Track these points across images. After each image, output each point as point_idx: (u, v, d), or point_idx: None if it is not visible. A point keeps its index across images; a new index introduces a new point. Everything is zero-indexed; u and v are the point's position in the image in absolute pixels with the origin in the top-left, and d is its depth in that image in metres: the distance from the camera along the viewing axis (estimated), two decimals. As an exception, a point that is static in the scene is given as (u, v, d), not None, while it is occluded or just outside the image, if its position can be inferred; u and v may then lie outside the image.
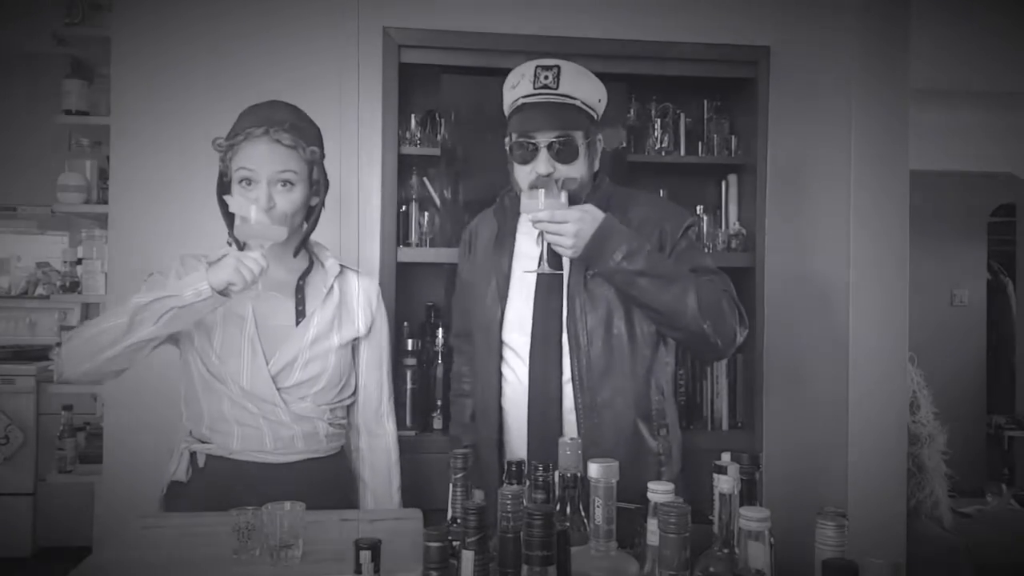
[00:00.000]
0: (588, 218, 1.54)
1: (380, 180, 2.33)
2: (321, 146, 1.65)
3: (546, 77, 1.63)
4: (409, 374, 2.33)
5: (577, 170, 1.66)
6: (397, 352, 2.32)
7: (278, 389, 1.59)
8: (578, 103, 1.65)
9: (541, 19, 2.44)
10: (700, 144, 2.59)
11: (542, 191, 1.54)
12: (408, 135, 2.42)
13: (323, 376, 1.63)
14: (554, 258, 1.63)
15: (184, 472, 1.63)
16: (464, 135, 2.41)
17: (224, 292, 1.47)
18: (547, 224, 1.54)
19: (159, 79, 2.38)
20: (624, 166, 2.44)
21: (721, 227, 2.59)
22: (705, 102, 2.63)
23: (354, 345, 1.71)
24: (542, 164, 1.63)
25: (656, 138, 2.53)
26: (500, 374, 1.72)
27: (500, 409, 1.72)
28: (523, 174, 1.67)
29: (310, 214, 1.66)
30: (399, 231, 2.37)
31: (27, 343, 4.35)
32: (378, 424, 1.75)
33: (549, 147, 1.63)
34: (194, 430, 1.65)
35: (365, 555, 0.93)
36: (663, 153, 2.53)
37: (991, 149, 4.53)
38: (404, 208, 2.43)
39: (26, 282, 4.56)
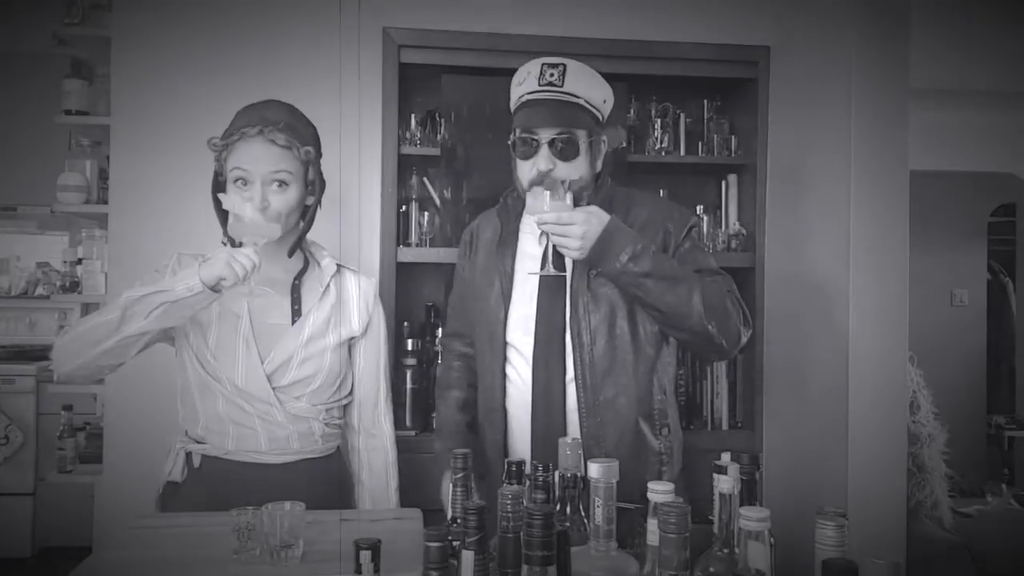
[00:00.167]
0: (594, 220, 1.54)
1: (380, 180, 2.33)
2: (317, 146, 1.65)
3: (551, 75, 1.64)
4: (409, 374, 2.33)
5: (578, 168, 1.66)
6: (397, 352, 2.33)
7: (273, 388, 1.59)
8: (582, 102, 1.65)
9: (541, 19, 2.44)
10: (700, 144, 2.59)
11: (547, 193, 1.54)
12: (408, 135, 2.42)
13: (318, 376, 1.63)
14: (558, 259, 1.63)
15: (180, 472, 1.63)
16: (464, 135, 2.41)
17: (215, 288, 1.46)
18: (553, 226, 1.54)
19: (159, 79, 2.38)
20: (624, 166, 2.44)
21: (721, 227, 2.59)
22: (705, 102, 2.63)
23: (351, 345, 1.71)
24: (542, 160, 1.63)
25: (656, 138, 2.53)
26: (504, 375, 1.72)
27: (504, 411, 1.72)
28: (524, 170, 1.67)
29: (305, 213, 1.66)
30: (399, 231, 2.37)
31: (27, 343, 4.35)
32: (375, 424, 1.75)
33: (551, 144, 1.64)
34: (189, 430, 1.64)
35: (365, 555, 0.93)
36: (663, 153, 2.53)
37: (991, 149, 4.53)
38: (404, 208, 2.43)
39: (26, 282, 4.56)
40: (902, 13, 2.63)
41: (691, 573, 0.89)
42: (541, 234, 1.64)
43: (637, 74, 2.43)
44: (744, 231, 2.53)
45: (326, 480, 1.66)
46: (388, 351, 1.79)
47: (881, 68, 2.61)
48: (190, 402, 1.63)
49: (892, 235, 2.60)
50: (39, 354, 4.11)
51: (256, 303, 1.61)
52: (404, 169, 2.41)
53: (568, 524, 1.01)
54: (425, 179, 2.50)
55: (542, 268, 1.64)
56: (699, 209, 2.56)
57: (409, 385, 2.33)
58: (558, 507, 1.05)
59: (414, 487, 1.85)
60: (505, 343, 1.71)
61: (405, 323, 2.39)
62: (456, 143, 2.41)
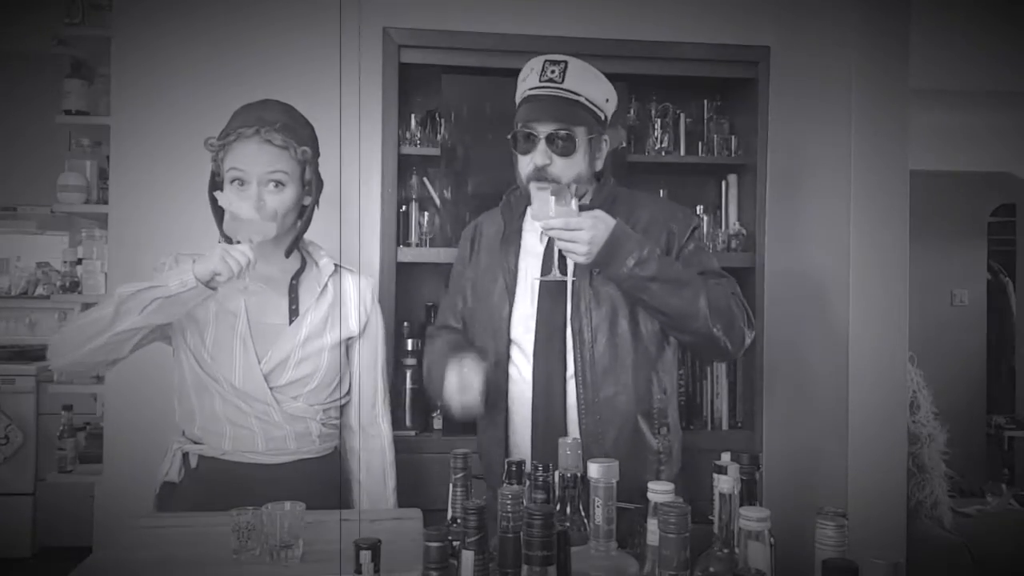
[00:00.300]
0: (601, 225, 1.55)
1: (380, 180, 2.33)
2: (314, 146, 1.65)
3: (552, 71, 1.66)
4: (409, 374, 2.33)
5: (575, 165, 1.67)
6: (397, 352, 2.33)
7: (270, 388, 1.59)
8: (582, 99, 1.66)
9: (541, 19, 2.44)
10: (700, 144, 2.59)
11: (552, 198, 1.54)
12: (408, 135, 2.42)
13: (316, 375, 1.63)
14: (562, 263, 1.64)
15: (176, 473, 1.63)
16: (464, 135, 2.41)
17: (210, 283, 1.46)
18: (560, 232, 1.54)
19: (159, 79, 2.38)
20: (624, 166, 2.44)
21: (721, 227, 2.59)
22: (705, 102, 2.63)
23: (348, 345, 1.71)
24: (539, 155, 1.65)
25: (656, 138, 2.53)
26: (507, 373, 1.71)
27: (507, 407, 1.72)
28: (523, 164, 1.69)
29: (303, 213, 1.66)
30: (399, 231, 2.37)
31: (27, 343, 4.35)
32: (373, 425, 1.75)
33: (548, 139, 1.65)
34: (186, 430, 1.64)
35: (365, 555, 0.93)
36: (663, 153, 2.53)
37: (991, 149, 4.52)
38: (404, 208, 2.43)
39: (26, 282, 4.56)
40: (902, 13, 2.63)
41: (691, 573, 0.89)
42: (543, 236, 1.66)
43: (637, 74, 2.42)
44: (744, 231, 2.53)
45: (323, 480, 1.65)
46: (385, 351, 1.79)
47: (881, 68, 2.61)
48: (187, 401, 1.63)
49: (892, 235, 2.60)
50: (39, 354, 4.10)
51: (253, 303, 1.61)
52: (404, 169, 2.41)
53: (568, 524, 1.01)
54: (425, 179, 2.50)
55: (548, 273, 1.65)
56: (699, 209, 2.56)
57: (409, 385, 2.33)
58: (558, 507, 1.05)
59: (413, 487, 1.85)
60: (509, 340, 1.71)
61: (405, 323, 2.39)
62: (456, 143, 2.41)
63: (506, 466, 1.12)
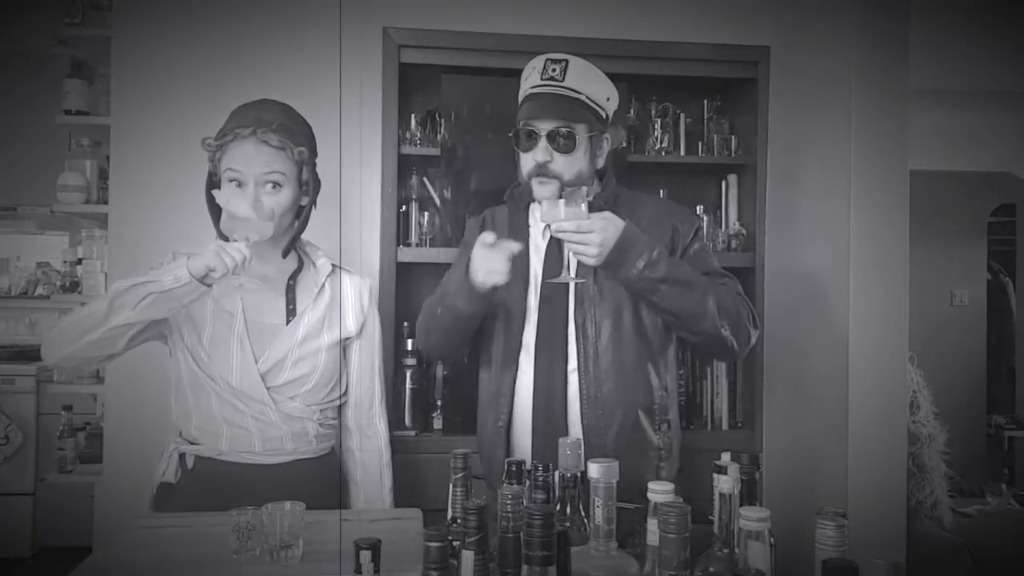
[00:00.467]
0: (611, 227, 1.55)
1: (380, 180, 2.33)
2: (312, 146, 1.65)
3: (553, 70, 1.68)
4: (409, 374, 2.33)
5: (576, 162, 1.68)
6: (397, 352, 2.33)
7: (267, 388, 1.59)
8: (583, 97, 1.68)
9: (541, 19, 2.44)
10: (700, 144, 2.59)
11: (562, 201, 1.54)
12: (408, 135, 2.42)
13: (313, 375, 1.63)
14: (561, 265, 1.64)
15: (173, 473, 1.63)
16: (464, 135, 2.41)
17: (205, 280, 1.46)
18: (571, 234, 1.54)
19: (159, 79, 2.38)
20: (624, 166, 2.44)
21: (721, 227, 2.59)
22: (705, 102, 2.63)
23: (345, 345, 1.71)
24: (540, 152, 1.66)
25: (656, 138, 2.53)
26: (517, 365, 1.71)
27: (512, 397, 1.71)
28: (525, 161, 1.70)
29: (300, 214, 1.66)
30: (399, 231, 2.37)
31: (27, 343, 4.34)
32: (370, 425, 1.75)
33: (549, 136, 1.66)
34: (183, 430, 1.64)
35: (365, 555, 0.93)
36: (663, 153, 2.53)
37: (991, 149, 4.53)
38: (404, 208, 2.43)
39: (26, 282, 4.56)
40: (902, 13, 2.63)
41: (691, 573, 0.89)
42: (545, 227, 1.67)
43: (637, 74, 2.42)
44: (744, 231, 2.53)
45: (320, 481, 1.65)
46: (383, 352, 1.79)
47: (881, 68, 2.61)
48: (183, 400, 1.63)
49: (892, 235, 2.60)
50: (39, 354, 4.09)
51: (250, 302, 1.61)
52: (404, 169, 2.41)
53: (568, 524, 1.01)
54: (425, 179, 2.50)
55: (553, 271, 1.66)
56: (699, 209, 2.56)
57: (409, 385, 2.33)
58: (558, 507, 1.05)
59: (413, 487, 1.85)
60: (522, 330, 1.71)
61: (405, 323, 2.39)
62: (456, 143, 2.42)
63: (506, 466, 1.12)
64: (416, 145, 2.42)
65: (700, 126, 2.62)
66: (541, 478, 1.05)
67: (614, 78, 1.77)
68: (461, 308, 1.63)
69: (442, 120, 2.44)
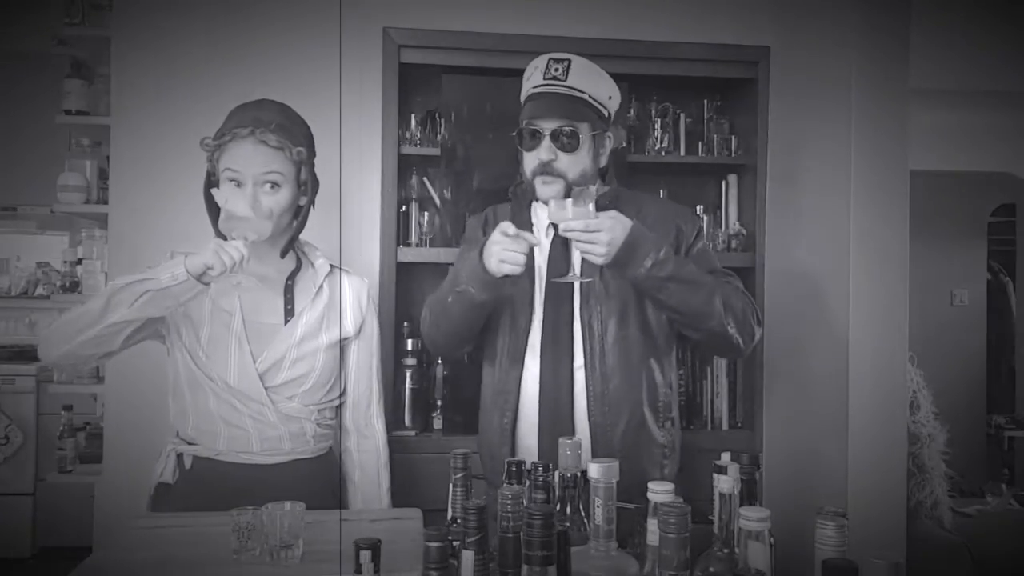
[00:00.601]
0: (619, 226, 1.55)
1: (380, 180, 2.33)
2: (310, 146, 1.65)
3: (556, 69, 1.69)
4: (409, 374, 2.33)
5: (579, 161, 1.69)
6: (397, 352, 2.33)
7: (265, 388, 1.59)
8: (586, 97, 1.69)
9: (541, 19, 2.44)
10: (700, 144, 2.59)
11: (569, 200, 1.55)
12: (408, 135, 2.42)
13: (311, 376, 1.63)
14: (567, 264, 1.65)
15: (171, 474, 1.63)
16: (464, 135, 2.41)
17: (202, 278, 1.46)
18: (580, 233, 1.54)
19: (159, 79, 2.38)
20: (624, 166, 2.44)
21: (721, 227, 2.59)
22: (705, 102, 2.63)
23: (343, 345, 1.71)
24: (544, 151, 1.67)
25: (656, 138, 2.53)
26: (523, 361, 1.71)
27: (518, 394, 1.71)
28: (528, 160, 1.71)
29: (299, 214, 1.66)
30: (399, 231, 2.37)
31: (27, 343, 4.34)
32: (367, 425, 1.75)
33: (553, 135, 1.67)
34: (180, 430, 1.64)
35: (365, 555, 0.93)
36: (663, 153, 2.53)
37: (991, 149, 4.52)
38: (404, 208, 2.43)
39: (26, 282, 4.56)
40: (902, 13, 2.63)
41: (691, 573, 0.89)
42: (548, 225, 1.68)
43: (637, 74, 2.42)
44: (744, 231, 2.53)
45: (318, 481, 1.65)
46: (381, 353, 1.79)
47: (881, 68, 2.61)
48: (181, 399, 1.63)
49: (892, 235, 2.60)
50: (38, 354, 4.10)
51: (248, 302, 1.61)
52: (404, 169, 2.41)
53: (568, 524, 1.01)
54: (425, 179, 2.50)
55: (558, 270, 1.67)
56: (699, 209, 2.56)
57: (409, 385, 2.33)
58: (558, 507, 1.05)
59: (413, 487, 1.85)
60: (529, 327, 1.71)
61: (405, 323, 2.39)
62: (456, 143, 2.42)
63: (506, 466, 1.12)
64: (416, 145, 2.42)
65: (700, 126, 2.62)
66: (541, 478, 1.05)
67: (614, 78, 1.77)
68: (474, 294, 1.62)
69: (442, 120, 2.44)
